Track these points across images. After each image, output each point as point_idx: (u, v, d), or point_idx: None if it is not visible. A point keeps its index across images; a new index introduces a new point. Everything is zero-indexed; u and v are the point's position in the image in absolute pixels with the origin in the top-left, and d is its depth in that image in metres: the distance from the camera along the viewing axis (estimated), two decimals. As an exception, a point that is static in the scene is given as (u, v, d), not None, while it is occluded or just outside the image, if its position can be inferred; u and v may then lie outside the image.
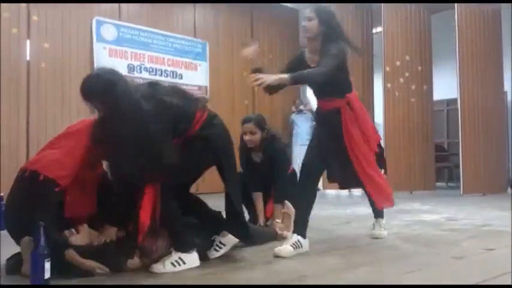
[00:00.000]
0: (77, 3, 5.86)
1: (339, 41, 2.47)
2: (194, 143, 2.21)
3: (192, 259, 2.17)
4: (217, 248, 2.32)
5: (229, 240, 2.34)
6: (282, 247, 2.40)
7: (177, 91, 2.32)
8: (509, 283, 1.83)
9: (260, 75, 2.25)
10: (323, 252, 2.52)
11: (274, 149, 3.10)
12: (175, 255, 2.14)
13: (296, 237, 2.46)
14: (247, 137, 3.09)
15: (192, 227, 2.32)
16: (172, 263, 2.12)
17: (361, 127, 2.54)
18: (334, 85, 2.46)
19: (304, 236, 2.50)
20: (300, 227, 2.51)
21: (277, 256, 2.35)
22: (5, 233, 2.21)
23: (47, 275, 1.81)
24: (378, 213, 2.95)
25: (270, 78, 2.26)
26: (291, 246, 2.41)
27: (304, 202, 2.56)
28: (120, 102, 2.01)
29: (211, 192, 4.20)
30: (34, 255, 1.81)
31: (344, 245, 2.73)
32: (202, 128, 2.21)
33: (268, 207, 3.18)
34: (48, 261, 1.82)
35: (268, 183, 3.14)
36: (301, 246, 2.45)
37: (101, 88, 2.04)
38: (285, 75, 2.30)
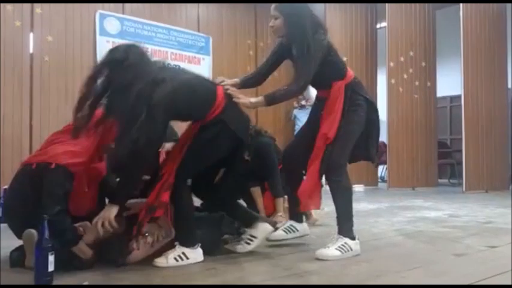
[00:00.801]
0: (81, -3, 5.85)
1: (308, 40, 2.27)
2: (211, 127, 2.17)
3: (195, 255, 2.17)
4: (249, 241, 2.34)
5: (260, 231, 2.37)
6: (275, 232, 2.47)
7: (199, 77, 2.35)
8: (510, 283, 1.84)
9: (239, 96, 2.28)
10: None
11: (259, 144, 3.11)
12: (179, 250, 2.15)
13: (289, 222, 2.55)
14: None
15: (196, 221, 2.31)
16: (175, 258, 2.12)
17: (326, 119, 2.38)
18: (319, 79, 2.35)
19: (299, 221, 2.57)
20: (292, 213, 2.58)
21: (270, 240, 2.46)
22: (4, 226, 2.22)
23: (51, 267, 1.82)
24: (342, 230, 2.38)
25: (246, 101, 2.29)
26: (283, 230, 2.50)
27: (291, 188, 2.57)
28: (128, 77, 1.98)
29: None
30: (38, 248, 1.83)
31: (346, 241, 2.73)
32: (221, 112, 2.18)
33: (267, 204, 3.20)
34: (52, 254, 1.83)
35: (262, 176, 3.20)
36: (296, 231, 2.53)
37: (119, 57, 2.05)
38: (260, 99, 2.29)
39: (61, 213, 1.98)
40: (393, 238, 2.83)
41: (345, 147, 2.35)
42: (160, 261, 2.11)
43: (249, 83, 2.53)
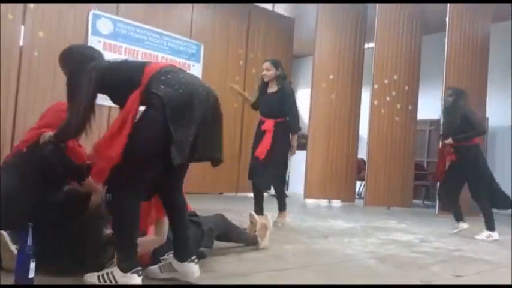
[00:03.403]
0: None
1: (286, 83, 4.21)
2: (146, 111, 1.93)
3: (127, 279, 1.85)
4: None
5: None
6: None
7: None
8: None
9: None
10: (302, 266, 2.62)
11: (285, 84, 4.17)
12: (110, 269, 1.91)
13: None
14: (264, 72, 4.13)
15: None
16: (99, 276, 1.89)
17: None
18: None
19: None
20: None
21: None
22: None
23: (31, 274, 1.85)
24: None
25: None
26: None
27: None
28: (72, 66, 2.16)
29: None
30: (20, 254, 1.86)
31: (320, 261, 2.84)
32: (152, 84, 1.92)
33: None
34: (33, 261, 1.87)
35: (273, 112, 4.06)
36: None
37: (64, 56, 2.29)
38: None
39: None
40: (365, 261, 2.94)
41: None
42: (87, 276, 1.92)
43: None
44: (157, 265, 2.12)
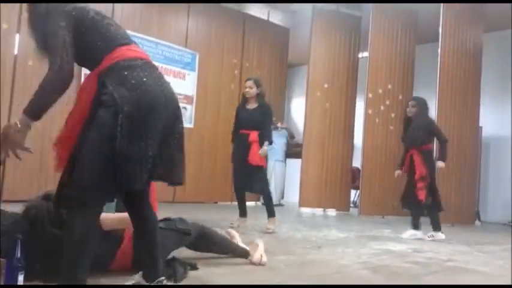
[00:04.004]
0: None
1: (264, 101, 4.58)
2: (98, 108, 1.69)
3: None
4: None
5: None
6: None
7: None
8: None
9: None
10: (295, 277, 2.61)
11: (264, 101, 4.56)
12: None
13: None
14: (247, 90, 4.50)
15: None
16: None
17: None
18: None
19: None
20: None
21: None
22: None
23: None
24: None
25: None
26: None
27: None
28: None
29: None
30: (8, 267, 1.85)
31: (313, 272, 2.83)
32: (109, 74, 1.70)
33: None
34: (21, 273, 1.86)
35: (256, 125, 4.44)
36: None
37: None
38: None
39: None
40: (358, 272, 2.93)
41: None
42: None
43: None
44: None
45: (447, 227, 6.20)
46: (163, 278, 1.89)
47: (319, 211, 7.65)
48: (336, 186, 7.58)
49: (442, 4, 6.59)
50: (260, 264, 2.77)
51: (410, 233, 4.80)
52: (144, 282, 1.88)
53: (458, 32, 6.82)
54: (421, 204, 4.72)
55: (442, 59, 6.62)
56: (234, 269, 2.69)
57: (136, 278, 1.92)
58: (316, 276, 2.73)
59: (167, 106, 1.74)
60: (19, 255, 1.84)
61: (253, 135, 4.41)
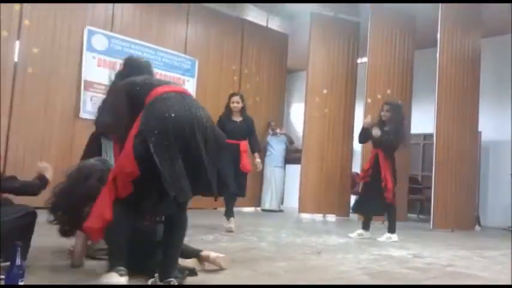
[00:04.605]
0: (71, 12, 5.91)
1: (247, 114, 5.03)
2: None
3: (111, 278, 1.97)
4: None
5: None
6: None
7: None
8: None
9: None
10: (294, 283, 2.61)
11: (247, 114, 5.04)
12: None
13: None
14: (234, 104, 4.89)
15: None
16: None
17: None
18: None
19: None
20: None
21: None
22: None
23: (20, 294, 1.86)
24: None
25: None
26: None
27: None
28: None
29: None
30: (9, 274, 1.86)
31: (313, 277, 2.83)
32: (144, 111, 2.08)
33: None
34: (22, 281, 1.87)
35: (245, 135, 4.86)
36: None
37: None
38: None
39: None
40: (358, 277, 2.93)
41: None
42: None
43: None
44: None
45: (447, 233, 6.21)
46: (172, 279, 2.08)
47: (318, 217, 7.64)
48: (335, 192, 7.57)
49: (440, 9, 6.63)
50: (215, 263, 2.67)
51: (386, 236, 4.98)
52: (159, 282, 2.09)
53: (456, 37, 6.85)
54: (392, 205, 5.02)
55: (441, 64, 6.64)
56: (235, 274, 2.69)
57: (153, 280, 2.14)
58: (316, 282, 2.73)
59: (194, 128, 2.02)
60: (19, 262, 1.85)
61: (243, 145, 4.84)
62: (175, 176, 1.94)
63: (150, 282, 2.16)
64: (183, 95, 2.16)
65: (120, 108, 2.21)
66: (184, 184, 1.97)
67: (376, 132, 4.94)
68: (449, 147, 6.63)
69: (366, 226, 5.09)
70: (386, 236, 4.93)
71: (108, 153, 3.47)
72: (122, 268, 1.99)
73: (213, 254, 2.68)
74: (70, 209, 2.42)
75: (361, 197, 5.30)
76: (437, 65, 6.62)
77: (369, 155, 5.30)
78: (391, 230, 4.98)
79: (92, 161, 2.62)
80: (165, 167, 1.93)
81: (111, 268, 2.01)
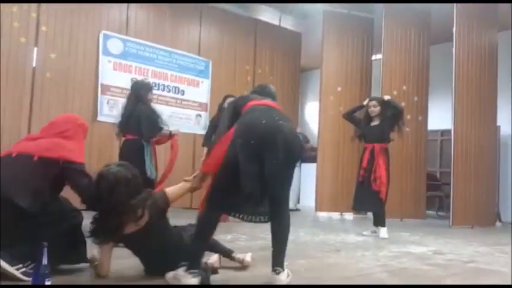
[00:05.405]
0: (86, 17, 6.01)
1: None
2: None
3: (186, 280, 2.21)
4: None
5: None
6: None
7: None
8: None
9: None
10: (316, 281, 2.61)
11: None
12: (180, 270, 2.27)
13: None
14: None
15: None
16: (174, 274, 2.26)
17: None
18: None
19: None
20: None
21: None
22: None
23: (47, 294, 1.90)
24: None
25: None
26: None
27: None
28: None
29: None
30: (36, 274, 1.90)
31: (334, 275, 2.83)
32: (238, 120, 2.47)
33: None
34: (49, 280, 1.91)
35: None
36: None
37: None
38: None
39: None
40: (378, 275, 2.92)
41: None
42: (168, 274, 2.30)
43: None
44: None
45: (467, 229, 6.13)
46: (278, 268, 2.38)
47: (335, 215, 7.61)
48: (352, 190, 7.49)
49: (455, 5, 6.54)
50: (243, 263, 2.76)
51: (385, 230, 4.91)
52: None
53: (472, 31, 6.75)
54: (383, 202, 4.94)
55: (457, 59, 6.55)
56: (255, 273, 2.71)
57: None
58: (337, 279, 2.73)
59: (275, 136, 2.26)
60: (46, 262, 1.89)
61: None
62: (250, 176, 2.19)
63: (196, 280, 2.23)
64: (271, 107, 2.47)
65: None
66: (256, 186, 2.21)
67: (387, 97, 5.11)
68: (467, 142, 6.54)
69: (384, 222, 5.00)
70: (381, 232, 4.79)
71: (149, 156, 3.77)
72: (196, 271, 2.22)
73: (247, 259, 2.79)
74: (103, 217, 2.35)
75: (358, 194, 5.15)
76: (454, 59, 6.53)
77: (364, 151, 5.16)
78: (381, 223, 4.88)
79: (115, 166, 2.44)
80: (245, 165, 2.19)
81: (188, 268, 2.22)
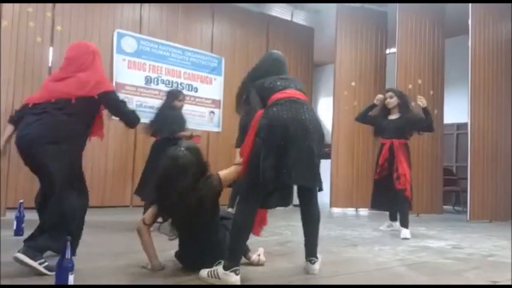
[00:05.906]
0: (100, 16, 6.06)
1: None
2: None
3: (227, 277, 2.22)
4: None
5: None
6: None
7: None
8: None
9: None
10: (333, 275, 2.60)
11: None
12: (217, 266, 2.28)
13: None
14: None
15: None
16: (208, 272, 2.29)
17: None
18: None
19: None
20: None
21: None
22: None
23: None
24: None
25: None
26: None
27: None
28: None
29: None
30: (60, 268, 1.93)
31: (352, 269, 2.82)
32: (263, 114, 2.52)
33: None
34: (72, 273, 1.93)
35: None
36: None
37: None
38: None
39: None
40: (397, 269, 2.90)
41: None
42: (201, 271, 2.34)
43: None
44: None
45: (485, 224, 6.05)
46: (313, 258, 2.55)
47: (351, 211, 7.58)
48: (367, 185, 7.44)
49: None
50: (258, 264, 2.74)
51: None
52: (220, 268, 2.26)
53: (488, 24, 6.63)
54: (407, 198, 4.54)
55: (473, 52, 6.45)
56: (274, 267, 2.71)
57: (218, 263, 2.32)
58: (355, 274, 2.72)
59: (299, 129, 2.32)
60: (69, 255, 1.92)
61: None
62: (269, 166, 2.22)
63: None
64: (295, 99, 2.44)
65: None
66: (272, 174, 2.23)
67: (423, 101, 4.68)
68: (484, 136, 6.45)
69: (393, 217, 4.88)
70: (403, 233, 4.36)
71: None
72: (238, 268, 2.25)
73: (262, 258, 2.79)
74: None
75: (376, 192, 4.81)
76: (470, 52, 6.43)
77: (382, 147, 4.85)
78: (405, 224, 4.47)
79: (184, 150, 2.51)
80: (266, 158, 2.23)
81: (228, 267, 2.23)
